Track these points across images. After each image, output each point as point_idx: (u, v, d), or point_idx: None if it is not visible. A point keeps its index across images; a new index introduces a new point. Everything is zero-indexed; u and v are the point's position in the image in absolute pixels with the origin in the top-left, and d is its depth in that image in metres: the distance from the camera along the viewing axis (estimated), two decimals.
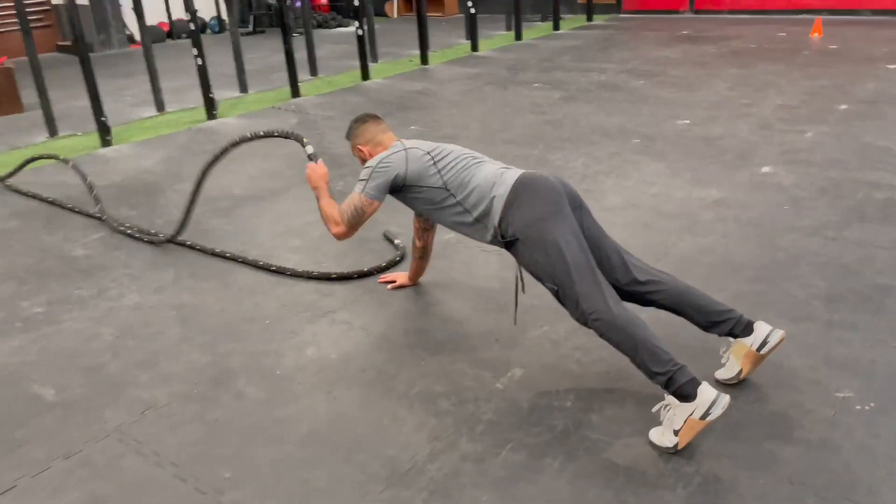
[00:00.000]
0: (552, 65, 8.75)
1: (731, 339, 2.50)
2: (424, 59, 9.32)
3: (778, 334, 2.41)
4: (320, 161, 3.06)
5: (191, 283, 3.62)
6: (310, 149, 3.12)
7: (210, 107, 7.01)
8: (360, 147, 3.01)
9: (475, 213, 2.70)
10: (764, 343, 2.41)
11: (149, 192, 5.08)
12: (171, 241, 4.03)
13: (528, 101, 6.96)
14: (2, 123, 7.58)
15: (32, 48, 6.57)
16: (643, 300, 2.59)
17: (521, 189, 2.58)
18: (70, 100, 8.01)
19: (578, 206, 2.64)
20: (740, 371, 2.48)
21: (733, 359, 2.49)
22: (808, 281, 3.22)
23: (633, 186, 4.51)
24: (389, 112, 6.93)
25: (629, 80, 7.57)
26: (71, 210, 4.75)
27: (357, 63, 9.51)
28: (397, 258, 3.68)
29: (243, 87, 8.30)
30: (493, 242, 2.67)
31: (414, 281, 3.43)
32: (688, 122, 5.84)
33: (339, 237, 2.86)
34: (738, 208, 4.06)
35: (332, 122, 6.74)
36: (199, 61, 6.81)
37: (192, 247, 4.03)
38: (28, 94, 8.14)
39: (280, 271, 3.66)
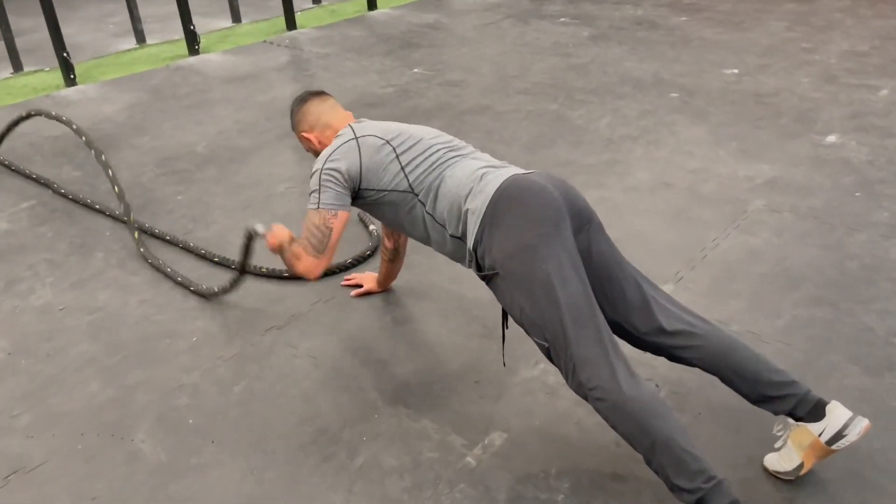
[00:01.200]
0: None
1: (790, 420, 1.81)
2: None
3: (860, 426, 1.70)
4: (274, 225, 2.25)
5: (117, 276, 2.98)
6: (260, 228, 2.33)
7: (192, 41, 6.23)
8: (304, 135, 2.29)
9: (450, 230, 2.00)
10: (839, 436, 1.71)
11: (102, 147, 4.38)
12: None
13: (551, 40, 6.06)
14: None
15: None
16: (670, 355, 1.90)
17: (503, 201, 1.86)
18: (45, 29, 7.24)
19: (586, 224, 1.92)
20: (800, 465, 1.78)
21: (792, 447, 1.80)
22: (889, 307, 2.47)
23: (667, 158, 3.72)
24: (391, 50, 6.10)
25: (669, 15, 6.59)
26: (9, 168, 4.10)
27: None
28: (368, 252, 2.99)
29: (236, 16, 7.46)
30: (470, 267, 1.97)
31: (383, 286, 2.75)
32: (736, 71, 4.95)
33: (309, 273, 2.11)
34: (797, 193, 3.28)
35: (326, 61, 5.93)
36: None
37: (125, 222, 3.37)
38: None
39: (223, 263, 3.00)
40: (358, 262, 2.95)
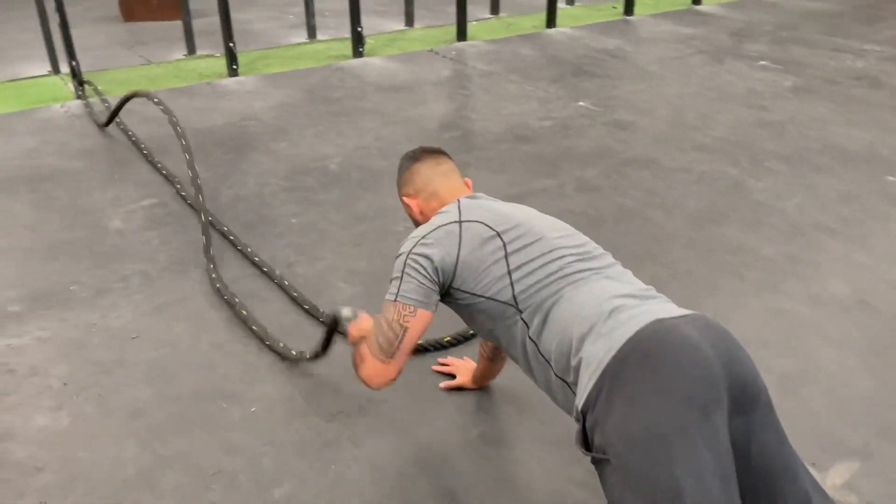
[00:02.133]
0: (791, 34, 6.79)
1: None
2: (630, 8, 7.68)
3: None
4: (363, 314, 1.86)
5: (200, 307, 2.71)
6: (347, 312, 1.90)
7: (357, 42, 6.04)
8: (407, 199, 1.87)
9: (556, 369, 1.49)
10: None
11: (239, 146, 4.24)
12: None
13: (744, 86, 5.27)
14: (155, 31, 7.15)
15: None
16: None
17: (635, 358, 1.33)
18: (235, 10, 7.37)
19: (750, 405, 1.35)
20: None
21: None
22: None
23: (874, 266, 2.94)
24: (560, 76, 5.58)
25: None
26: (149, 161, 4.03)
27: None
28: (471, 331, 2.52)
29: (409, 20, 7.24)
30: (578, 445, 1.45)
31: (479, 384, 2.27)
32: None
33: (371, 381, 1.69)
34: None
35: (487, 80, 5.52)
36: None
37: (234, 244, 3.13)
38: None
39: (313, 314, 2.65)
40: (458, 341, 2.49)
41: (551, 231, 1.66)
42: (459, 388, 2.27)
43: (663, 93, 5.16)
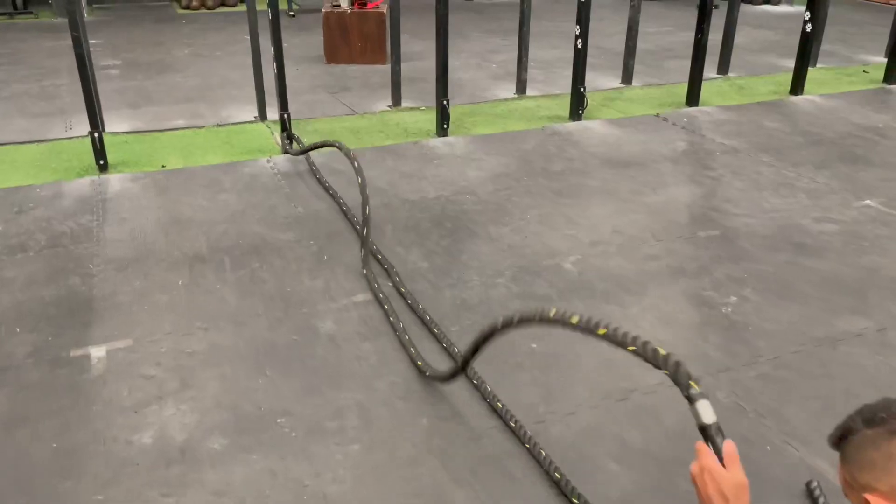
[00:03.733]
0: None
1: None
2: (892, 75, 6.51)
3: None
4: (730, 445, 1.24)
5: (439, 479, 2.10)
6: (706, 412, 1.29)
7: (577, 104, 5.39)
8: (869, 498, 1.09)
9: None
10: None
11: (456, 229, 3.68)
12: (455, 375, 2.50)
13: None
14: (358, 75, 6.89)
15: None
16: None
17: None
18: (429, 56, 7.00)
19: None
20: None
21: None
22: None
23: None
24: (826, 161, 4.62)
25: None
26: (360, 238, 3.57)
27: (783, 63, 7.16)
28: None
29: (627, 77, 6.51)
30: None
31: None
32: None
33: None
34: None
35: (734, 159, 4.67)
36: (580, 42, 5.19)
37: (470, 379, 2.51)
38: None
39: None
40: None
41: None
42: None
43: None
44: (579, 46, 5.21)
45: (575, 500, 2.00)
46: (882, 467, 1.08)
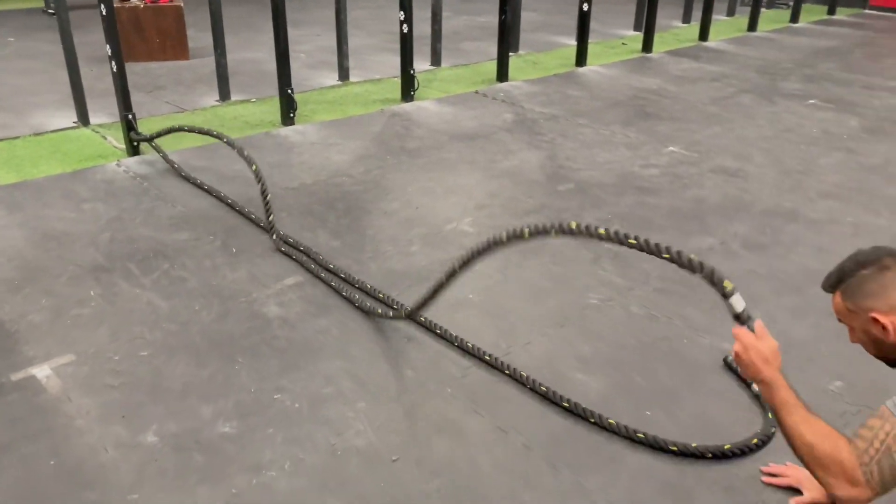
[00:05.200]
0: (815, 72, 6.95)
1: None
2: (648, 45, 7.69)
3: None
4: (759, 323, 1.63)
5: (445, 411, 2.35)
6: (738, 303, 1.63)
7: (409, 85, 5.73)
8: (877, 316, 1.56)
9: None
10: None
11: (349, 209, 3.85)
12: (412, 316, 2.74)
13: (816, 127, 5.29)
14: (165, 73, 6.60)
15: None
16: None
17: None
18: (236, 49, 6.91)
19: None
20: None
21: None
22: None
23: None
24: (628, 119, 5.45)
25: None
26: (256, 225, 3.60)
27: (559, 39, 8.12)
28: (773, 429, 2.27)
29: (436, 59, 6.98)
30: None
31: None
32: None
33: (850, 497, 1.45)
34: None
35: (557, 125, 5.32)
36: (405, 27, 5.51)
37: (432, 329, 2.76)
38: (191, 37, 7.16)
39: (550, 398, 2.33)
40: (764, 442, 2.23)
41: None
42: None
43: (744, 136, 5.10)
44: (405, 31, 5.53)
45: (566, 405, 2.36)
46: (879, 294, 1.56)
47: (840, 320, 1.65)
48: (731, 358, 2.60)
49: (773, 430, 2.25)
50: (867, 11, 10.54)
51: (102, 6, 4.15)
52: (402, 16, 5.49)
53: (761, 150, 4.81)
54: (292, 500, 2.01)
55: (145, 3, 6.87)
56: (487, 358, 2.59)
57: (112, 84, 4.53)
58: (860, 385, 2.46)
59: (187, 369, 2.54)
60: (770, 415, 2.30)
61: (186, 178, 4.11)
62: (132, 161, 4.42)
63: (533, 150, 4.82)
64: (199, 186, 4.02)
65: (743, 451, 2.18)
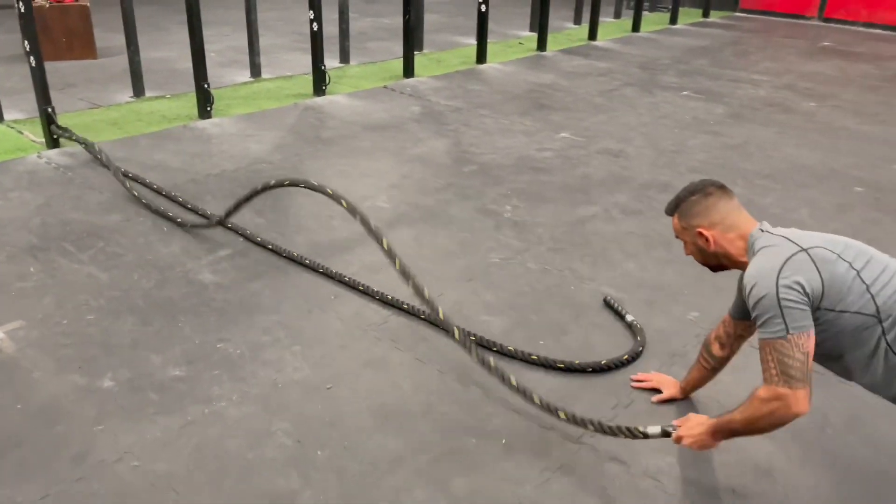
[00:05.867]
0: (690, 68, 7.71)
1: None
2: (542, 45, 8.28)
3: None
4: (674, 423, 2.10)
5: (369, 349, 2.72)
6: (654, 429, 2.12)
7: (320, 80, 6.04)
8: (702, 231, 2.04)
9: None
10: None
11: (272, 192, 4.14)
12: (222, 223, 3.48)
13: (688, 114, 5.96)
14: (74, 71, 6.65)
15: None
16: None
17: None
18: (145, 48, 6.99)
19: None
20: None
21: None
22: None
23: None
24: (525, 110, 5.96)
25: (796, 99, 6.54)
26: (182, 205, 3.85)
27: (460, 39, 8.60)
28: (640, 349, 2.76)
29: (345, 57, 7.32)
30: None
31: (686, 394, 2.52)
32: None
33: (802, 409, 1.80)
34: None
35: (461, 115, 5.77)
36: (315, 26, 5.83)
37: (353, 286, 3.13)
38: (98, 37, 7.21)
39: (501, 352, 2.75)
40: (633, 358, 2.72)
41: (870, 249, 1.91)
42: (668, 401, 2.50)
43: (626, 122, 5.71)
44: (315, 29, 5.85)
45: (473, 337, 2.78)
46: (704, 214, 2.03)
47: (677, 237, 2.13)
48: (610, 298, 3.09)
49: (640, 349, 2.75)
50: (738, 14, 11.59)
51: (20, 3, 4.27)
52: (311, 14, 5.80)
53: (641, 134, 5.42)
54: (242, 423, 2.33)
55: (51, 3, 6.88)
56: (406, 306, 2.98)
57: (21, 82, 4.65)
58: (711, 315, 2.98)
59: (134, 327, 2.80)
60: (639, 338, 2.81)
61: (106, 167, 4.27)
62: (53, 153, 4.56)
63: (440, 138, 5.25)
64: (125, 174, 4.21)
65: (617, 366, 2.66)
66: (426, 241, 3.64)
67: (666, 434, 2.08)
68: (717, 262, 2.06)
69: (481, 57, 7.53)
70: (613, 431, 2.17)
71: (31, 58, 4.42)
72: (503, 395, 2.46)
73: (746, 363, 2.38)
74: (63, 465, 2.13)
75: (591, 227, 3.85)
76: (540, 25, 8.24)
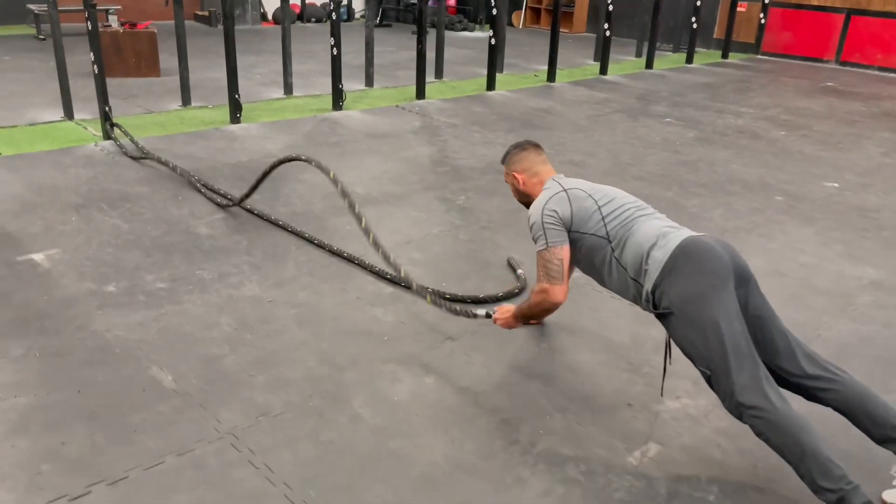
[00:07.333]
0: (684, 100, 8.38)
1: None
2: (552, 76, 9.11)
3: None
4: (496, 308, 2.96)
5: (310, 282, 3.55)
6: (480, 310, 3.01)
7: (338, 97, 7.02)
8: (515, 174, 2.85)
9: (630, 272, 2.49)
10: None
11: (272, 177, 5.06)
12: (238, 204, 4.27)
13: (659, 137, 6.65)
14: (139, 86, 7.84)
15: (180, 15, 6.73)
16: (809, 395, 2.33)
17: (681, 256, 2.35)
18: (201, 70, 8.20)
19: (746, 281, 2.38)
20: None
21: None
22: None
23: (779, 251, 4.18)
24: (513, 128, 6.77)
25: (769, 128, 7.14)
26: (196, 189, 4.80)
27: (481, 71, 9.43)
28: (516, 290, 3.50)
29: (369, 81, 8.31)
30: (645, 308, 2.46)
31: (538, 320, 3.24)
32: (837, 185, 5.42)
33: (559, 297, 2.63)
34: None
35: (455, 130, 6.62)
36: (335, 51, 6.82)
37: (311, 241, 3.97)
38: (164, 60, 8.42)
39: (399, 282, 3.54)
40: (508, 297, 3.46)
41: (618, 194, 2.67)
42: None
43: (599, 141, 6.44)
44: (335, 53, 6.84)
45: (388, 277, 3.56)
46: (519, 162, 2.83)
47: (506, 181, 2.90)
48: (512, 259, 3.84)
49: (517, 291, 3.49)
50: (758, 56, 12.14)
51: (88, 22, 5.38)
52: (332, 41, 6.80)
53: (607, 150, 6.14)
54: (200, 317, 3.18)
55: (124, 29, 8.14)
56: (346, 255, 3.81)
57: (90, 93, 5.74)
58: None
59: (138, 258, 3.72)
60: (519, 283, 3.55)
61: (147, 155, 5.29)
62: (107, 143, 5.62)
63: (428, 146, 6.10)
64: (159, 160, 5.21)
65: (497, 300, 3.41)
66: (385, 217, 4.46)
67: (488, 316, 2.89)
68: (527, 199, 2.83)
69: (491, 84, 8.40)
70: (454, 311, 2.97)
71: (95, 66, 5.51)
72: (404, 315, 3.24)
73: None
74: (69, 330, 3.03)
75: (524, 214, 4.60)
76: (549, 59, 9.06)
